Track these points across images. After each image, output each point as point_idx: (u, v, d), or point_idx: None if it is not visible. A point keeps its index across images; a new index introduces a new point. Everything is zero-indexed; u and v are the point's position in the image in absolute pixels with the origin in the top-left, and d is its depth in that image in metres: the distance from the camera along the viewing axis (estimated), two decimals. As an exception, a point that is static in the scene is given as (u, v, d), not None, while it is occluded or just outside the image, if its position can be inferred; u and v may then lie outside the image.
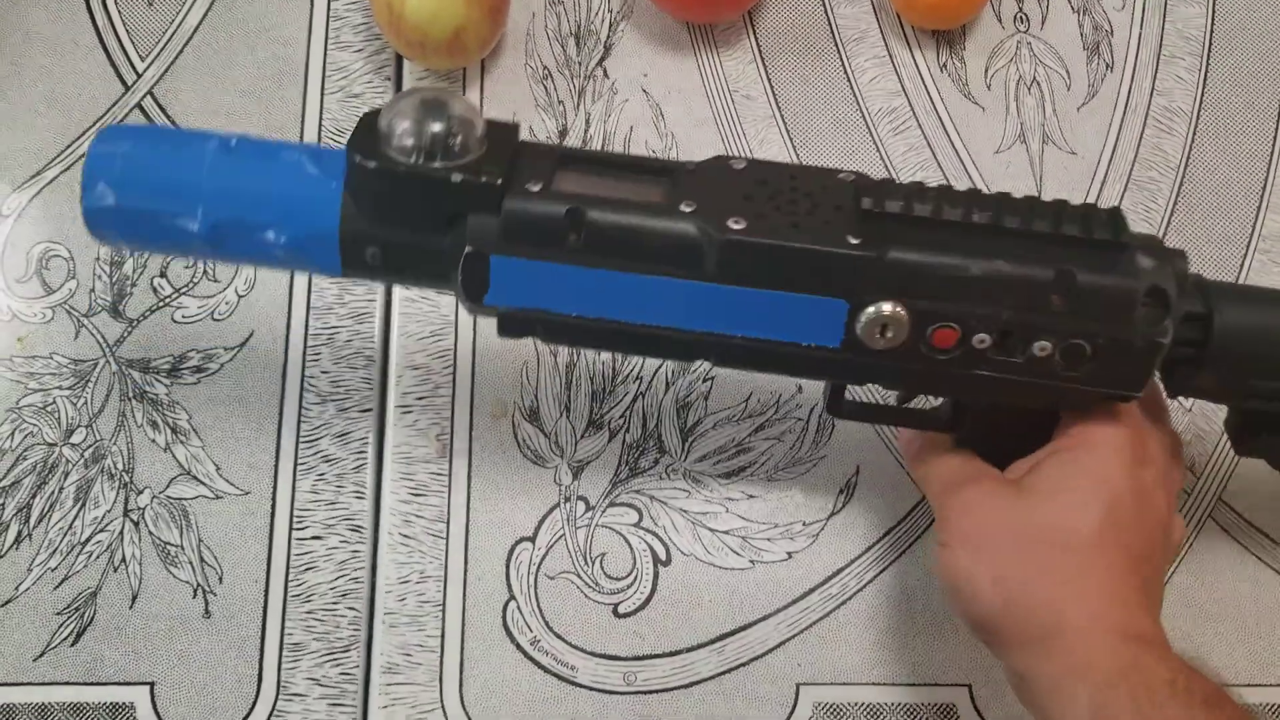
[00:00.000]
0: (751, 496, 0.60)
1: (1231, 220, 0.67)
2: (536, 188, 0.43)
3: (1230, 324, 0.46)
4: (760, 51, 0.70)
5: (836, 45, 0.70)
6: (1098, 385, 0.45)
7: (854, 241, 0.43)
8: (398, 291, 0.64)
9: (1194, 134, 0.69)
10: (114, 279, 0.64)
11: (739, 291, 0.44)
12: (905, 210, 0.43)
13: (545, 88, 0.68)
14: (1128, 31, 0.71)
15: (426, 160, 0.43)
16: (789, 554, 0.60)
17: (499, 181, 0.43)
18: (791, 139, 0.68)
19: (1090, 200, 0.67)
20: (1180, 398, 0.49)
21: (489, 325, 0.46)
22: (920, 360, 0.45)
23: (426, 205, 0.44)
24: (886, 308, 0.43)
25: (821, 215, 0.44)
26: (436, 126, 0.43)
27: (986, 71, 0.70)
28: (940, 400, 0.53)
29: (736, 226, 0.43)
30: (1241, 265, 0.66)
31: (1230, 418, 0.52)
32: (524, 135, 0.48)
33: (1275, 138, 0.69)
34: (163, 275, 0.64)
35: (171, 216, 0.45)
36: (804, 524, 0.60)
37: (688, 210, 0.43)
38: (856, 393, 0.59)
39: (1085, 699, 0.42)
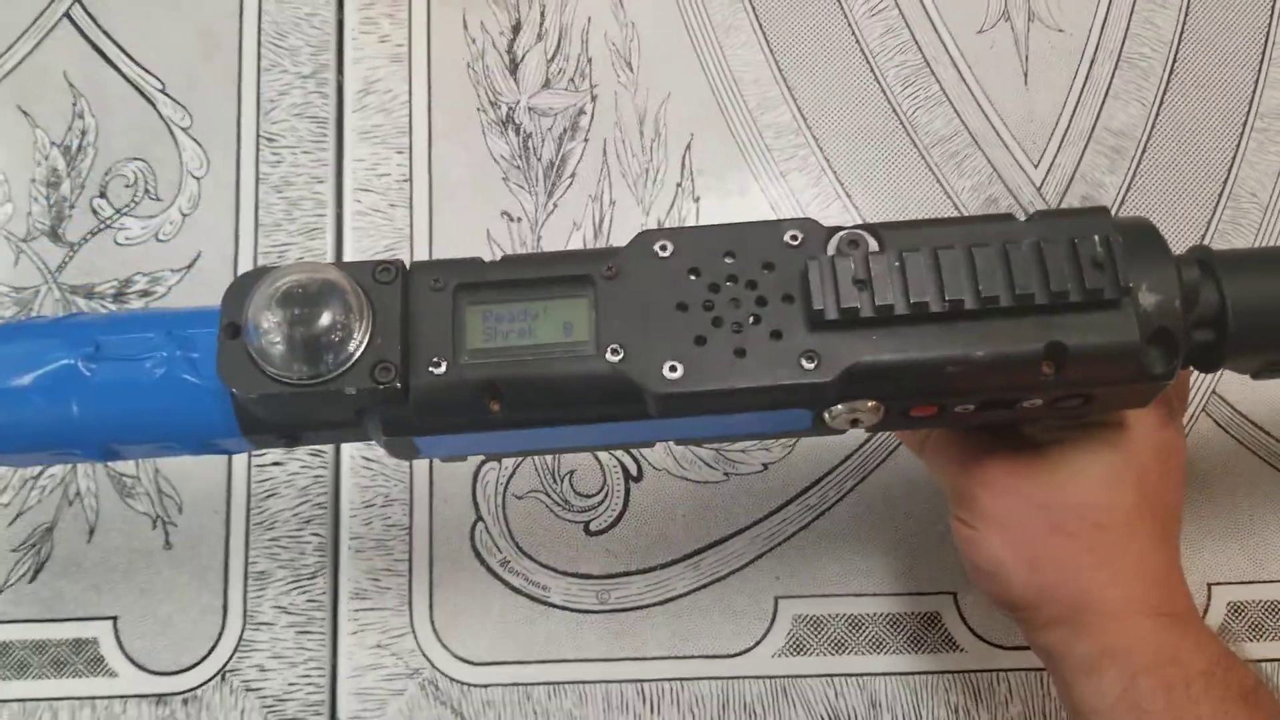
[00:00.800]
0: (725, 406, 0.58)
1: (1228, 95, 0.63)
2: (441, 368, 0.38)
3: (1245, 306, 0.41)
4: (726, -68, 0.65)
5: (808, -78, 0.66)
6: (1100, 412, 0.42)
7: (808, 366, 0.37)
8: (349, 203, 0.61)
9: (1188, 6, 0.65)
10: (51, 201, 0.61)
11: (688, 421, 0.39)
12: (865, 310, 0.37)
13: (498, -20, 0.64)
14: (1120, -104, 0.66)
15: (310, 372, 0.37)
16: (764, 465, 0.58)
17: (397, 384, 0.38)
18: (761, 24, 0.64)
19: (1077, 84, 0.63)
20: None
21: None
22: (900, 423, 0.42)
23: (327, 412, 0.39)
24: (857, 404, 0.38)
25: (770, 322, 0.38)
26: (307, 327, 0.37)
27: (968, -55, 0.65)
28: None
29: (673, 375, 0.38)
30: (1238, 145, 0.63)
31: None
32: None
33: (1274, 6, 0.64)
34: (102, 196, 0.61)
35: (58, 452, 0.41)
36: (780, 433, 0.58)
37: (616, 359, 0.38)
38: None
39: (1116, 683, 0.41)
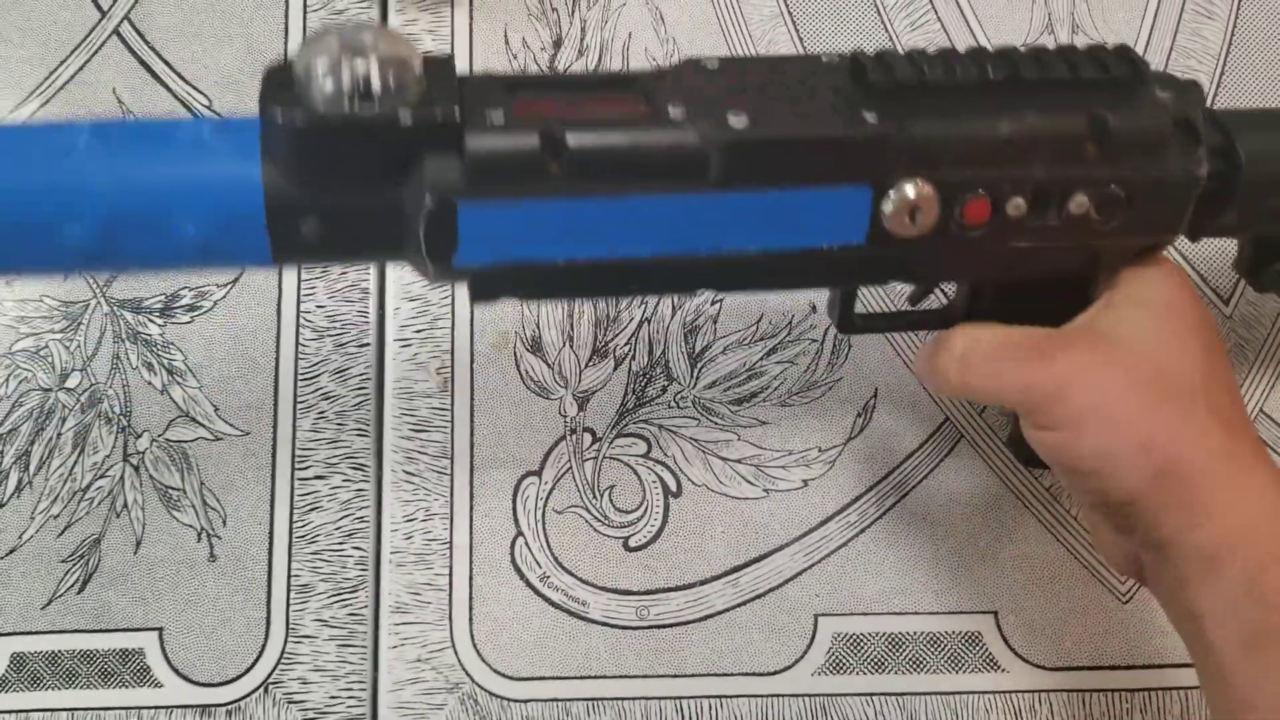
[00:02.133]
0: (764, 423, 0.58)
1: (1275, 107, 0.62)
2: (500, 118, 0.37)
3: (1253, 147, 0.43)
4: (768, -54, 0.65)
5: (850, -65, 0.65)
6: (1136, 233, 0.42)
7: (870, 118, 0.38)
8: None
9: (1236, 18, 0.64)
10: (100, 217, 0.62)
11: (748, 198, 0.39)
12: (916, 77, 0.39)
13: (539, -5, 0.64)
14: (1166, -94, 0.65)
15: (361, 105, 0.35)
16: (805, 481, 0.57)
17: (456, 116, 0.36)
18: (801, 39, 0.64)
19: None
20: (1201, 239, 0.46)
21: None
22: (951, 242, 0.41)
23: (370, 158, 0.37)
24: (913, 188, 0.39)
25: (823, 99, 0.39)
26: (364, 66, 0.35)
27: (1012, -43, 0.65)
28: (953, 295, 0.49)
29: (738, 124, 0.38)
30: (1288, 159, 0.62)
31: (1242, 254, 0.50)
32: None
33: (1326, 18, 0.64)
34: (150, 211, 0.61)
35: (53, 221, 0.36)
36: (820, 450, 0.58)
37: (678, 116, 0.38)
38: (864, 304, 0.56)
39: (1240, 578, 0.37)
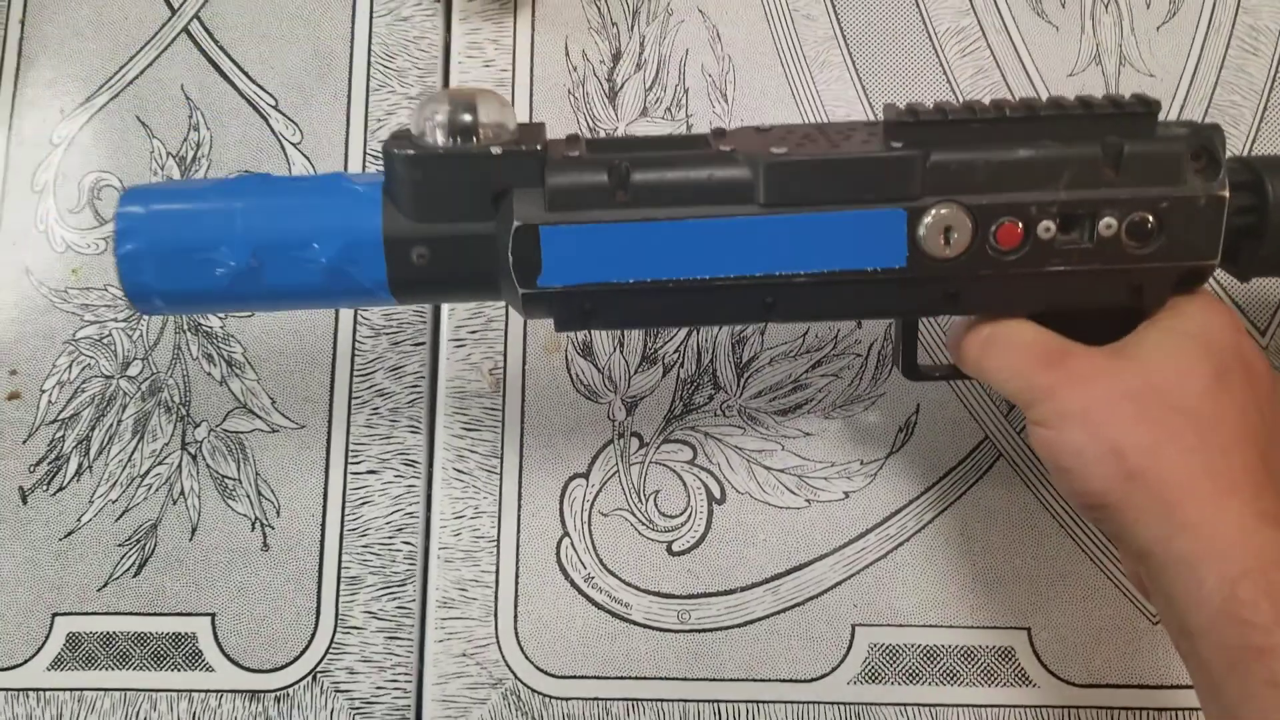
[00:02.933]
0: (808, 434, 0.59)
1: (1317, 147, 0.64)
2: (575, 152, 0.44)
3: None
4: (823, -32, 0.67)
5: (903, -39, 0.67)
6: (1173, 259, 0.45)
7: (896, 145, 0.44)
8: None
9: (1281, 55, 0.65)
10: (165, 210, 0.63)
11: (792, 219, 0.43)
12: (940, 116, 0.44)
13: (598, 8, 0.65)
14: (1214, -56, 0.67)
15: (463, 144, 0.43)
16: (846, 493, 0.59)
17: (538, 147, 0.43)
18: (854, 60, 0.65)
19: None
20: (1251, 280, 0.49)
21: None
22: (990, 265, 0.44)
23: (468, 187, 0.43)
24: (945, 209, 0.43)
25: (858, 140, 0.45)
26: (468, 117, 0.43)
27: (1061, -12, 0.66)
28: None
29: (779, 151, 0.43)
30: (1326, 195, 0.63)
31: None
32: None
33: (1369, 59, 0.65)
34: (213, 206, 0.63)
35: (208, 252, 0.43)
36: (861, 463, 0.59)
37: (727, 149, 0.44)
38: (929, 356, 0.58)
39: (1216, 592, 0.39)
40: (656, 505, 0.59)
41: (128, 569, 0.58)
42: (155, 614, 0.58)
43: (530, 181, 0.43)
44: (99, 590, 0.58)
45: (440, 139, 0.43)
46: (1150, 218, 0.44)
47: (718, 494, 0.59)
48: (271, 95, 0.64)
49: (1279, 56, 0.65)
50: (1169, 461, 0.41)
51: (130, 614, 0.58)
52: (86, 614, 0.58)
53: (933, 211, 0.43)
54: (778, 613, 0.57)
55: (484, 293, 0.46)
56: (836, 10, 0.66)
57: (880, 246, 0.44)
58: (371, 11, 0.65)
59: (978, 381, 0.58)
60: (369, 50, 0.64)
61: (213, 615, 0.58)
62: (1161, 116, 0.64)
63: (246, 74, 0.64)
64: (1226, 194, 0.44)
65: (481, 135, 0.43)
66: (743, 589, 0.58)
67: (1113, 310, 0.46)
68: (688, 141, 0.46)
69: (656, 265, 0.44)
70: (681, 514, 0.59)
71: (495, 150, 0.43)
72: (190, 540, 0.59)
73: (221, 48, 0.65)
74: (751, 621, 0.57)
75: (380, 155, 0.45)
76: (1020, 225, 0.44)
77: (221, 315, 0.61)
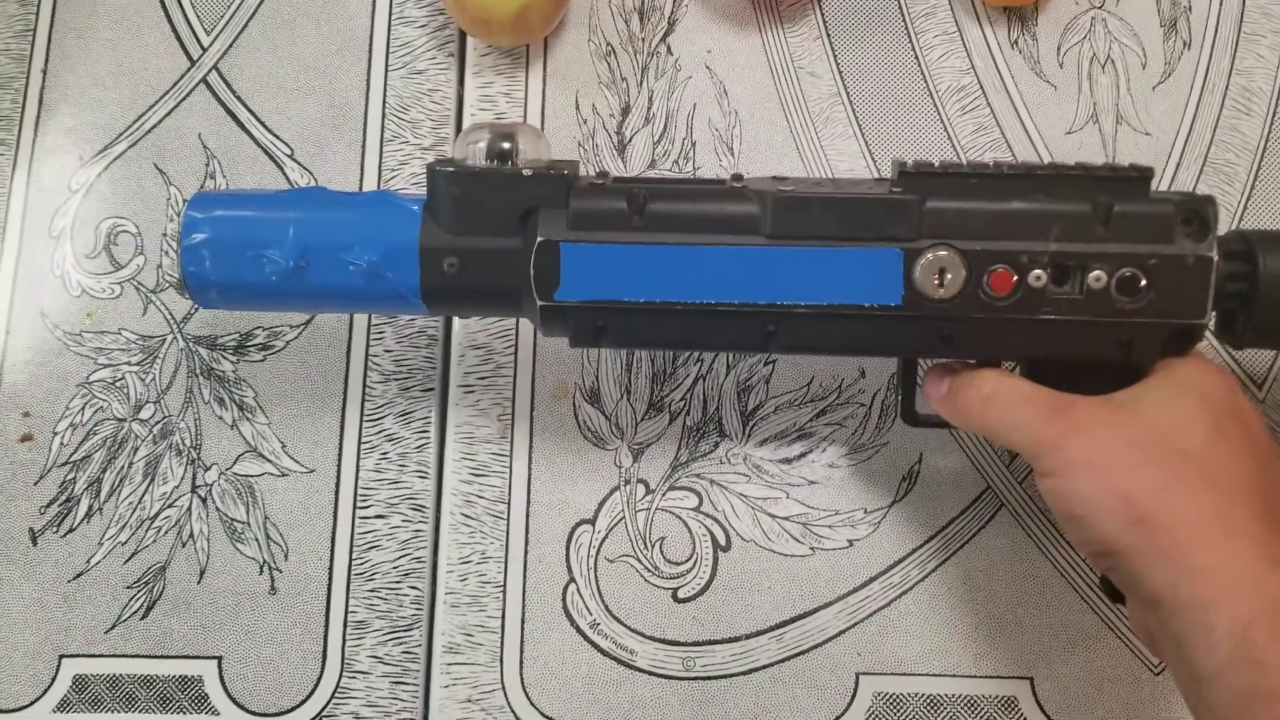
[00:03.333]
0: (813, 482, 0.60)
1: (1311, 205, 0.65)
2: (599, 181, 0.48)
3: (1275, 258, 0.47)
4: (826, 27, 0.68)
5: (904, 21, 0.69)
6: (1162, 315, 0.46)
7: (897, 189, 0.47)
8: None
9: (1274, 115, 0.67)
10: (180, 256, 0.64)
11: (796, 251, 0.46)
12: (941, 168, 0.47)
13: (608, 64, 0.67)
14: (1207, 8, 0.69)
15: (499, 165, 0.48)
16: (850, 541, 0.59)
17: (565, 171, 0.47)
18: (857, 117, 0.67)
19: (1163, 186, 0.65)
20: (1243, 350, 0.49)
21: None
22: (983, 309, 0.47)
23: (499, 204, 0.48)
24: (940, 251, 0.46)
25: (863, 187, 0.48)
26: (505, 144, 0.48)
27: (1059, 49, 0.68)
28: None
29: (785, 187, 0.47)
30: (1320, 252, 0.64)
31: None
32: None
33: (1360, 120, 0.66)
34: (228, 252, 0.64)
35: (262, 250, 0.48)
36: (865, 511, 0.60)
37: (738, 185, 0.48)
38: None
39: (1228, 637, 0.39)
40: (662, 552, 0.59)
41: (136, 611, 0.58)
42: (162, 656, 0.58)
43: (556, 203, 0.47)
44: (106, 632, 0.58)
45: (480, 162, 0.48)
46: (1139, 274, 0.46)
47: (723, 541, 0.59)
48: (287, 144, 0.65)
49: (1272, 116, 0.67)
50: (1176, 505, 0.42)
51: (137, 656, 0.58)
52: (93, 656, 0.58)
53: (928, 254, 0.46)
54: (782, 660, 0.58)
55: (507, 306, 0.50)
56: (840, 67, 0.67)
57: (877, 283, 0.46)
58: (386, 64, 0.67)
59: (976, 434, 0.59)
60: (384, 102, 0.66)
61: (219, 658, 0.58)
62: (1158, 178, 0.66)
63: (263, 123, 0.65)
64: (1215, 255, 0.46)
65: (517, 161, 0.48)
66: (748, 636, 0.58)
67: (1106, 366, 0.48)
68: (708, 183, 0.49)
69: (667, 288, 0.47)
70: (687, 560, 0.59)
71: (526, 172, 0.47)
72: (198, 583, 0.59)
73: (239, 98, 0.66)
74: (756, 669, 0.58)
75: (431, 165, 0.49)
76: (1013, 272, 0.46)
77: (234, 361, 0.62)
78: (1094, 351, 0.47)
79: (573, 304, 0.47)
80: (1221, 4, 0.69)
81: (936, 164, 0.47)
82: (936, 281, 0.46)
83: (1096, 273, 0.46)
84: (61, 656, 0.58)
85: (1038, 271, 0.46)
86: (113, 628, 0.58)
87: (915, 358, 0.53)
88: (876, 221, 0.46)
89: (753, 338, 0.48)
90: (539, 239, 0.47)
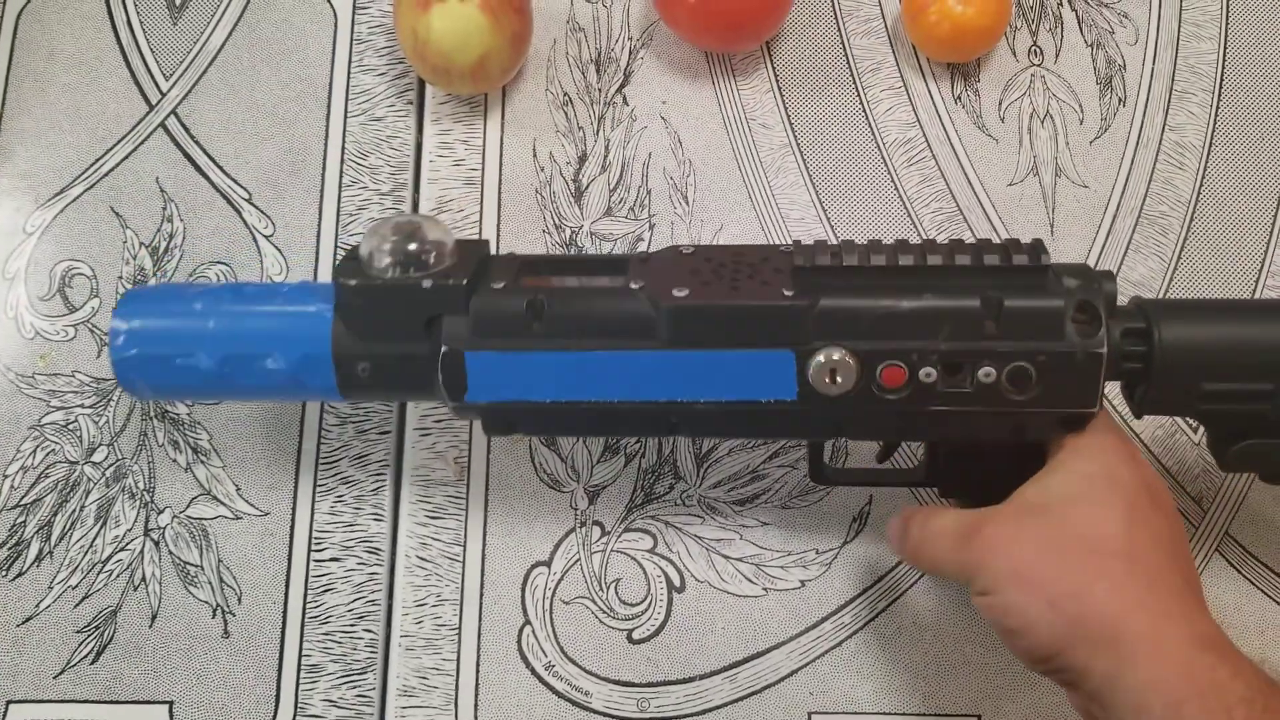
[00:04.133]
0: (765, 524, 0.61)
1: (1242, 255, 0.67)
2: (500, 286, 0.49)
3: (1170, 332, 0.48)
4: (778, 81, 0.70)
5: (853, 76, 0.71)
6: (1052, 405, 0.47)
7: (788, 294, 0.47)
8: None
9: (1205, 169, 0.69)
10: (136, 298, 0.64)
11: (691, 355, 0.47)
12: (834, 262, 0.47)
13: (565, 114, 0.68)
14: (1140, 67, 0.72)
15: (402, 273, 0.48)
16: (802, 582, 0.60)
17: (465, 282, 0.48)
18: (807, 168, 0.68)
19: (1100, 236, 0.67)
20: (1148, 416, 0.51)
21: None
22: (876, 402, 0.48)
23: (404, 313, 0.48)
24: (832, 353, 0.47)
25: (760, 279, 0.48)
26: (411, 246, 0.49)
27: (1000, 104, 0.71)
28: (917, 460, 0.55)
29: (680, 294, 0.47)
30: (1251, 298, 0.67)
31: (1209, 435, 0.53)
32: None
33: (1285, 175, 0.69)
34: (185, 295, 0.64)
35: (186, 357, 0.50)
36: (817, 552, 0.61)
37: (636, 287, 0.48)
38: (839, 458, 0.62)
39: (1163, 712, 0.41)
40: (617, 593, 0.60)
41: (85, 656, 0.58)
42: (113, 702, 0.57)
43: (458, 309, 0.48)
44: (55, 677, 0.58)
45: (385, 262, 0.48)
46: (1030, 368, 0.46)
47: (678, 582, 0.60)
48: (245, 189, 0.66)
49: (1204, 170, 0.69)
50: (1103, 601, 0.43)
51: (87, 701, 0.57)
52: (42, 701, 0.57)
53: (821, 354, 0.47)
54: (736, 700, 0.58)
55: (424, 396, 0.51)
56: (791, 120, 0.69)
57: (772, 382, 0.48)
58: (346, 111, 0.67)
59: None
60: (342, 148, 0.67)
61: (171, 703, 0.57)
62: (1094, 223, 0.68)
63: (221, 168, 0.66)
64: (1104, 351, 0.46)
65: (423, 258, 0.48)
66: (702, 677, 0.59)
67: (1012, 447, 0.50)
68: (612, 264, 0.50)
69: (570, 388, 0.48)
70: (642, 602, 0.60)
71: (426, 283, 0.48)
72: (150, 627, 0.58)
73: (197, 142, 0.66)
74: (710, 709, 0.58)
75: (337, 274, 0.49)
76: (904, 369, 0.47)
77: (191, 402, 0.62)
78: (986, 435, 0.49)
79: (482, 404, 0.49)
80: (1154, 64, 0.72)
81: (829, 258, 0.47)
82: (829, 380, 0.47)
83: (986, 369, 0.47)
84: (9, 702, 0.57)
85: (928, 369, 0.47)
86: (62, 673, 0.58)
87: (813, 440, 0.54)
88: (770, 328, 0.47)
89: (658, 427, 0.50)
90: (443, 349, 0.48)
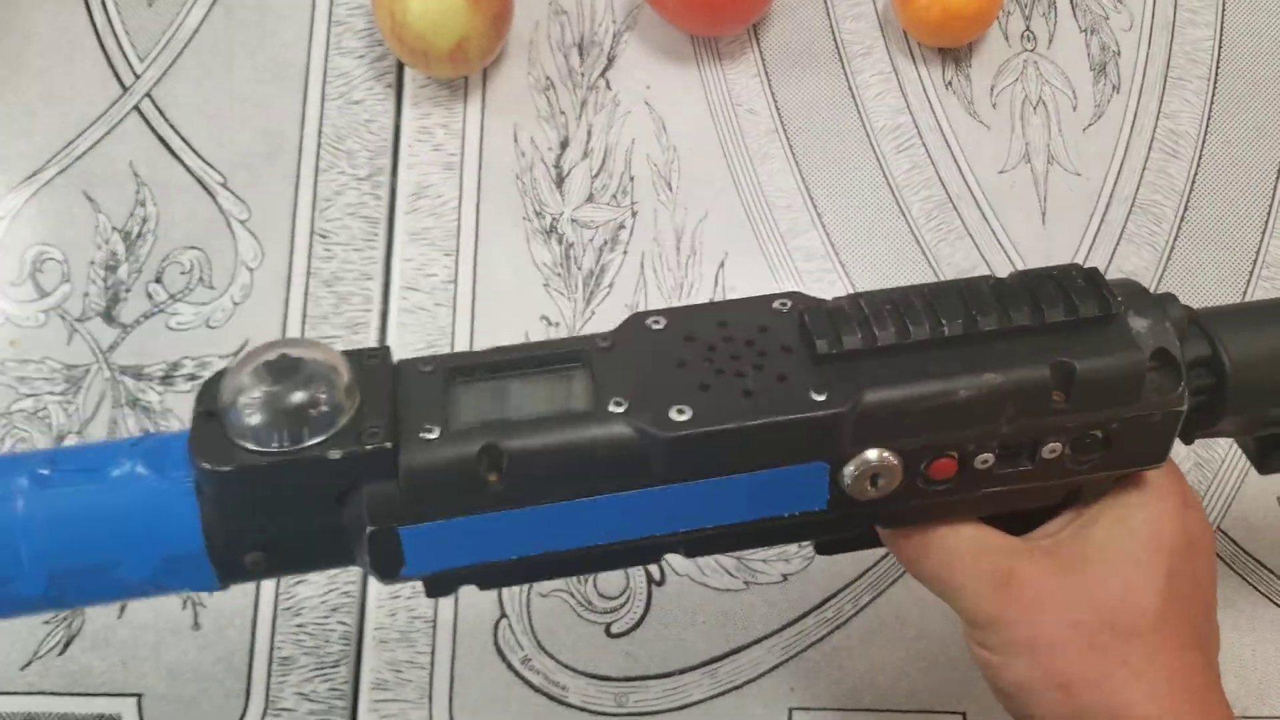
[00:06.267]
0: (747, 517, 0.60)
1: (1236, 244, 0.66)
2: (434, 432, 0.35)
3: (1239, 354, 0.41)
4: (765, 65, 0.69)
5: (841, 60, 0.70)
6: (1118, 467, 0.41)
7: (819, 398, 0.36)
8: (395, 300, 0.64)
9: (1200, 157, 0.68)
10: (108, 284, 0.63)
11: (698, 486, 0.37)
12: (868, 343, 0.37)
13: (547, 98, 0.67)
14: (1135, 53, 0.70)
15: (291, 441, 0.34)
16: (784, 576, 0.59)
17: (387, 444, 0.34)
18: (794, 154, 0.67)
19: (1093, 226, 0.66)
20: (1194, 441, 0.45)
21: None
22: (920, 496, 0.39)
23: (306, 492, 0.35)
24: (873, 456, 0.37)
25: (773, 368, 0.37)
26: (293, 398, 0.34)
27: (992, 90, 0.69)
28: None
29: (681, 418, 0.36)
30: (1245, 290, 0.66)
31: (1245, 442, 0.48)
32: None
33: (1281, 164, 0.68)
34: (158, 281, 0.63)
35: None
36: (799, 545, 0.60)
37: (618, 410, 0.36)
38: None
39: None
40: (595, 586, 0.59)
41: (53, 647, 0.57)
42: (80, 694, 0.56)
43: (382, 473, 0.35)
44: (22, 669, 0.56)
45: (257, 427, 0.34)
46: (1100, 435, 0.39)
47: (657, 576, 0.59)
48: (220, 173, 0.65)
49: (1198, 158, 0.68)
50: (1116, 692, 0.40)
51: (54, 694, 0.56)
52: (8, 693, 0.56)
53: (859, 459, 0.37)
54: (715, 696, 0.57)
55: (338, 566, 0.39)
56: (778, 105, 0.68)
57: (798, 497, 0.38)
58: (323, 94, 0.66)
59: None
60: (319, 132, 0.65)
61: (139, 696, 0.56)
62: (1087, 212, 0.67)
63: (196, 152, 0.65)
64: (1184, 408, 0.39)
65: (314, 413, 0.34)
66: (680, 672, 0.58)
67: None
68: (568, 357, 0.38)
69: (539, 542, 0.37)
70: (621, 595, 0.59)
71: (334, 454, 0.34)
72: (119, 618, 0.57)
73: (172, 125, 0.65)
74: (689, 705, 0.57)
75: (194, 446, 0.34)
76: (956, 459, 0.38)
77: (160, 392, 0.61)
78: (1035, 502, 0.42)
79: (423, 575, 0.37)
80: (1149, 50, 0.71)
81: (860, 338, 0.37)
82: (869, 486, 0.38)
83: (1052, 445, 0.39)
84: (-27, 695, 0.56)
85: (985, 455, 0.38)
86: (28, 664, 0.57)
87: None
88: (800, 444, 0.37)
89: (650, 556, 0.40)
90: (369, 528, 0.35)
